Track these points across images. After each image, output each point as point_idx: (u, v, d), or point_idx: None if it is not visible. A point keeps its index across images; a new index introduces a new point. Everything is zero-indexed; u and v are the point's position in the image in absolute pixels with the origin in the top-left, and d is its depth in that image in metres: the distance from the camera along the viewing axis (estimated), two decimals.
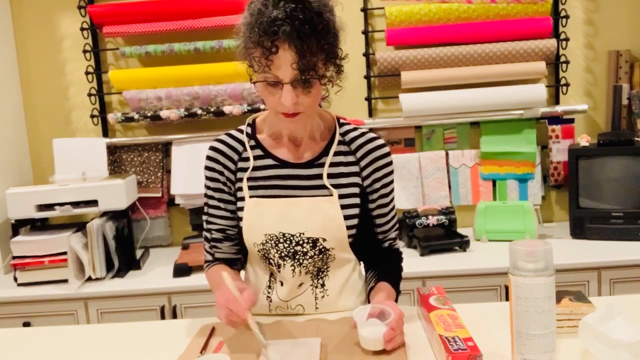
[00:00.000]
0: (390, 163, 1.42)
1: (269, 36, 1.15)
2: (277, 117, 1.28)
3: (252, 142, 1.41)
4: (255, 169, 1.38)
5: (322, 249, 1.36)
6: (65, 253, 2.29)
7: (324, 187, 1.36)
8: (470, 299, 2.19)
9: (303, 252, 1.36)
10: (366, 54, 2.69)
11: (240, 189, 1.39)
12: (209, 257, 1.47)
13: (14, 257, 2.32)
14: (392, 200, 1.45)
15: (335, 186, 1.36)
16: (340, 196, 1.36)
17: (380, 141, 1.41)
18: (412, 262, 2.28)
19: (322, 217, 1.34)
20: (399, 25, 2.62)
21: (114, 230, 2.42)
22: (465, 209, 2.75)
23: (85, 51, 2.69)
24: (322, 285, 1.41)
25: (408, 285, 2.09)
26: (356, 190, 1.39)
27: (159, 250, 2.75)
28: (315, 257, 1.37)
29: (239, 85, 2.59)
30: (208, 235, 1.45)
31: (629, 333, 1.04)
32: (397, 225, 1.49)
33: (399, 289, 1.45)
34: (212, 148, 1.41)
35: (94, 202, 2.38)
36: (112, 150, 2.75)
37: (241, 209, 1.38)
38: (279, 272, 1.39)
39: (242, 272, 1.53)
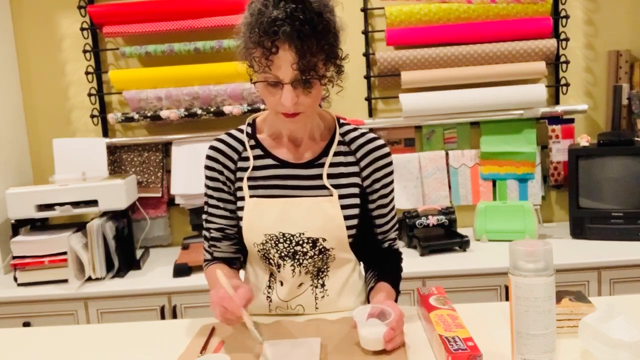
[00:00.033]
0: (390, 163, 1.42)
1: (269, 36, 1.15)
2: (277, 117, 1.28)
3: (252, 142, 1.41)
4: (255, 168, 1.39)
5: (322, 249, 1.36)
6: (65, 253, 2.29)
7: (323, 187, 1.36)
8: (470, 299, 2.19)
9: (303, 252, 1.36)
10: (366, 54, 2.69)
11: (240, 188, 1.39)
12: (208, 256, 1.47)
13: (14, 257, 2.32)
14: (392, 200, 1.45)
15: (335, 186, 1.36)
16: (340, 196, 1.36)
17: (380, 141, 1.41)
18: (412, 262, 2.28)
19: (322, 217, 1.34)
20: (399, 25, 2.63)
21: (114, 230, 2.42)
22: (465, 209, 2.75)
23: (85, 51, 2.69)
24: (322, 285, 1.41)
25: (408, 285, 2.09)
26: (356, 190, 1.39)
27: (159, 250, 2.75)
28: (315, 257, 1.37)
29: (239, 85, 2.59)
30: (207, 234, 1.45)
31: (629, 333, 1.04)
32: (397, 226, 1.49)
33: (399, 289, 1.45)
34: (212, 147, 1.41)
35: (94, 202, 2.38)
36: (112, 150, 2.75)
37: (241, 208, 1.38)
38: (279, 272, 1.39)
39: (242, 272, 1.53)
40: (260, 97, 1.54)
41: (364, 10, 2.66)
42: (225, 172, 1.40)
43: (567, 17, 2.63)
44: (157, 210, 2.77)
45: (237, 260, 1.48)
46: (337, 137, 1.40)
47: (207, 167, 1.42)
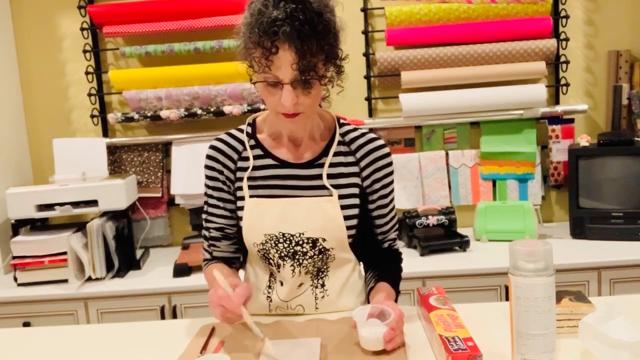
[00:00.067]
0: (390, 163, 1.42)
1: (269, 36, 1.15)
2: (277, 117, 1.28)
3: (252, 142, 1.41)
4: (255, 168, 1.39)
5: (322, 249, 1.36)
6: (65, 253, 2.29)
7: (323, 187, 1.36)
8: (470, 299, 2.19)
9: (303, 252, 1.36)
10: (366, 54, 2.69)
11: (240, 188, 1.39)
12: (208, 256, 1.47)
13: (14, 257, 2.32)
14: (392, 200, 1.45)
15: (335, 186, 1.36)
16: (340, 196, 1.36)
17: (380, 141, 1.41)
18: (412, 262, 2.28)
19: (322, 217, 1.34)
20: (399, 25, 2.63)
21: (114, 230, 2.42)
22: (465, 209, 2.75)
23: (85, 51, 2.69)
24: (322, 285, 1.41)
25: (408, 285, 2.09)
26: (356, 190, 1.39)
27: (159, 250, 2.75)
28: (315, 257, 1.37)
29: (239, 85, 2.59)
30: (207, 233, 1.45)
31: (629, 333, 1.04)
32: (397, 226, 1.49)
33: (399, 289, 1.45)
34: (212, 147, 1.41)
35: (94, 202, 2.38)
36: (112, 150, 2.75)
37: (241, 208, 1.38)
38: (279, 272, 1.39)
39: (242, 272, 1.53)
40: (260, 97, 1.55)
41: (364, 10, 2.66)
42: (225, 171, 1.40)
43: (567, 17, 2.63)
44: (157, 210, 2.77)
45: (237, 260, 1.48)
46: (337, 137, 1.40)
47: (207, 167, 1.42)
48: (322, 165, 1.37)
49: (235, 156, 1.40)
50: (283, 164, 1.38)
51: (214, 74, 2.61)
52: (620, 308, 1.10)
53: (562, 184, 2.67)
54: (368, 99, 2.72)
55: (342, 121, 1.44)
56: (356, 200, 1.38)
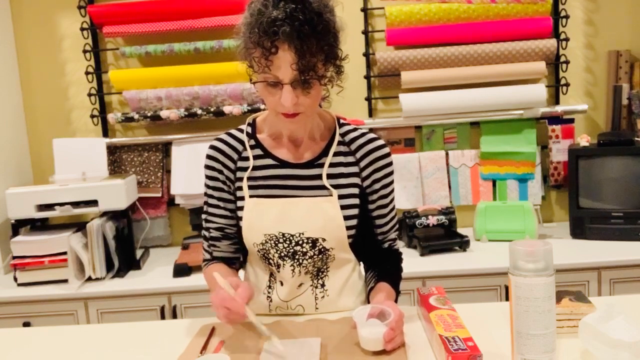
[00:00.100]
0: (390, 164, 1.42)
1: (269, 36, 1.15)
2: (277, 117, 1.28)
3: (252, 142, 1.41)
4: (255, 168, 1.39)
5: (322, 249, 1.36)
6: (65, 253, 2.29)
7: (323, 187, 1.36)
8: (470, 299, 2.19)
9: (303, 252, 1.36)
10: (366, 54, 2.69)
11: (240, 188, 1.39)
12: (207, 256, 1.47)
13: (14, 257, 2.32)
14: (392, 200, 1.45)
15: (335, 186, 1.36)
16: (340, 196, 1.36)
17: (380, 141, 1.41)
18: (412, 262, 2.28)
19: (322, 217, 1.34)
20: (399, 25, 2.63)
21: (114, 230, 2.42)
22: (465, 209, 2.75)
23: (85, 51, 2.69)
24: (322, 285, 1.41)
25: (408, 285, 2.09)
26: (356, 190, 1.39)
27: (159, 250, 2.75)
28: (314, 257, 1.37)
29: (239, 85, 2.59)
30: (207, 234, 1.45)
31: (629, 333, 1.04)
32: (397, 226, 1.49)
33: (399, 290, 1.45)
34: (212, 147, 1.41)
35: (94, 202, 2.38)
36: (112, 150, 2.75)
37: (241, 208, 1.38)
38: (279, 272, 1.39)
39: (242, 272, 1.53)
40: (260, 97, 1.55)
41: (364, 10, 2.66)
42: (225, 171, 1.40)
43: (567, 17, 2.63)
44: (157, 210, 2.77)
45: (237, 260, 1.48)
46: (337, 137, 1.40)
47: (207, 167, 1.42)
48: (322, 165, 1.37)
49: (235, 156, 1.40)
50: (283, 164, 1.38)
51: (214, 74, 2.61)
52: (620, 308, 1.10)
53: (562, 184, 2.67)
54: (368, 99, 2.72)
55: (342, 121, 1.44)
56: (356, 200, 1.38)
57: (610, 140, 2.41)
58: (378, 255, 1.47)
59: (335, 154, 1.38)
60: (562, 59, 2.66)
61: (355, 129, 1.42)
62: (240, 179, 1.39)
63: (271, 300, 1.42)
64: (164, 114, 2.61)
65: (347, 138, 1.41)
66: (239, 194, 1.39)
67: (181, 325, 1.43)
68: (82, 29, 2.69)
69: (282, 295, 1.41)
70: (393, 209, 1.46)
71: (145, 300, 2.26)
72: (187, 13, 2.60)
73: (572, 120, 2.65)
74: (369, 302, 1.43)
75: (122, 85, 2.67)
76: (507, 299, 2.10)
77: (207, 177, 1.42)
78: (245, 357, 1.21)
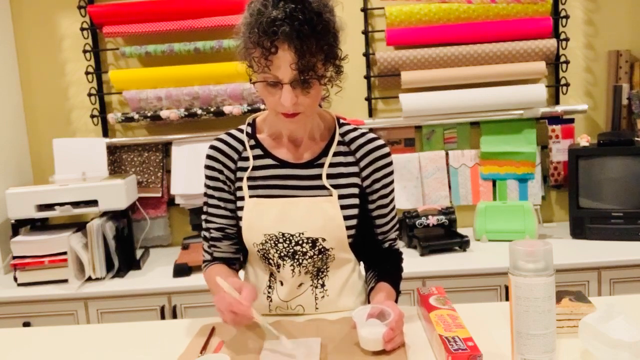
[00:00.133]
0: (390, 163, 1.42)
1: (269, 36, 1.15)
2: (277, 117, 1.28)
3: (252, 142, 1.41)
4: (255, 168, 1.39)
5: (322, 249, 1.36)
6: (65, 253, 2.29)
7: (323, 187, 1.36)
8: (470, 299, 2.19)
9: (302, 252, 1.36)
10: (366, 54, 2.69)
11: (240, 188, 1.39)
12: (208, 257, 1.47)
13: (14, 257, 2.32)
14: (392, 200, 1.45)
15: (335, 186, 1.36)
16: (340, 196, 1.36)
17: (380, 141, 1.41)
18: (412, 262, 2.28)
19: (322, 217, 1.34)
20: (399, 25, 2.63)
21: (114, 230, 2.42)
22: (465, 209, 2.75)
23: (85, 51, 2.69)
24: (322, 285, 1.41)
25: (408, 285, 2.09)
26: (355, 190, 1.39)
27: (159, 250, 2.75)
28: (314, 257, 1.37)
29: (239, 85, 2.59)
30: (207, 234, 1.45)
31: (629, 333, 1.04)
32: (398, 226, 1.49)
33: (399, 289, 1.45)
34: (212, 147, 1.41)
35: (94, 202, 2.38)
36: (112, 150, 2.75)
37: (241, 208, 1.38)
38: (279, 272, 1.39)
39: (242, 272, 1.53)
40: (260, 97, 1.54)
41: (364, 10, 2.66)
42: (226, 171, 1.40)
43: (567, 17, 2.63)
44: (157, 210, 2.77)
45: (237, 260, 1.48)
46: (337, 137, 1.40)
47: (207, 167, 1.42)
48: (321, 165, 1.37)
49: (235, 156, 1.40)
50: (283, 164, 1.38)
51: (214, 74, 2.61)
52: (620, 308, 1.10)
53: (562, 184, 2.67)
54: (368, 99, 2.72)
55: (341, 121, 1.44)
56: (356, 200, 1.38)
57: (610, 140, 2.41)
58: (378, 255, 1.47)
59: (335, 154, 1.38)
60: (562, 59, 2.66)
61: (355, 129, 1.42)
62: (241, 179, 1.39)
63: (271, 300, 1.42)
64: (164, 114, 2.61)
65: (347, 138, 1.41)
66: (239, 194, 1.39)
67: (181, 325, 1.43)
68: (82, 29, 2.69)
69: (282, 295, 1.41)
70: (393, 208, 1.46)
71: (145, 300, 2.26)
72: (187, 13, 2.60)
73: (572, 120, 2.65)
74: (369, 302, 1.43)
75: (122, 85, 2.67)
76: (507, 299, 2.10)
77: (207, 177, 1.42)
78: (245, 357, 1.21)
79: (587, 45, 2.70)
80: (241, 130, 1.43)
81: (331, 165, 1.37)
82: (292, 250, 1.36)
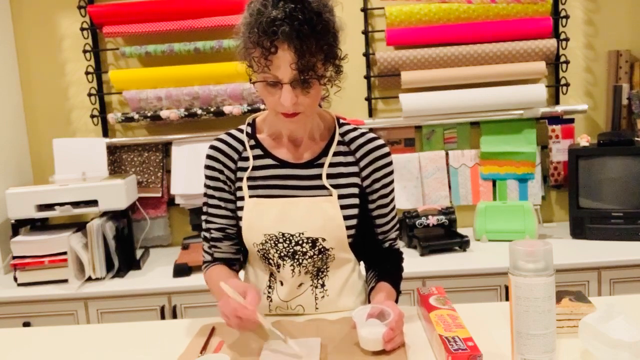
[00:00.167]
0: (390, 163, 1.42)
1: (268, 36, 1.15)
2: (277, 117, 1.28)
3: (252, 142, 1.41)
4: (254, 168, 1.39)
5: (322, 249, 1.36)
6: (65, 253, 2.29)
7: (323, 187, 1.36)
8: (470, 299, 2.19)
9: (302, 252, 1.36)
10: (366, 54, 2.69)
11: (240, 188, 1.39)
12: (208, 258, 1.47)
13: (14, 257, 2.32)
14: (392, 200, 1.45)
15: (335, 186, 1.36)
16: (340, 196, 1.36)
17: (380, 141, 1.41)
18: (412, 262, 2.28)
19: (322, 217, 1.34)
20: (399, 25, 2.63)
21: (114, 230, 2.42)
22: (465, 209, 2.75)
23: (85, 51, 2.69)
24: (322, 285, 1.41)
25: (408, 285, 2.09)
26: (355, 190, 1.39)
27: (159, 250, 2.75)
28: (314, 257, 1.37)
29: (239, 85, 2.59)
30: (207, 235, 1.45)
31: (629, 333, 1.04)
32: (398, 226, 1.49)
33: (400, 289, 1.45)
34: (213, 147, 1.41)
35: (94, 202, 2.38)
36: (112, 150, 2.75)
37: (240, 208, 1.38)
38: (279, 272, 1.39)
39: (242, 273, 1.53)
40: (260, 97, 1.54)
41: (364, 10, 2.66)
42: (226, 171, 1.40)
43: (567, 17, 2.63)
44: (157, 210, 2.77)
45: (237, 261, 1.48)
46: (337, 137, 1.40)
47: (208, 167, 1.42)
48: (321, 165, 1.37)
49: (235, 156, 1.40)
50: (283, 164, 1.38)
51: (214, 74, 2.61)
52: (620, 308, 1.10)
53: (562, 184, 2.67)
54: (368, 99, 2.72)
55: (341, 121, 1.44)
56: (356, 200, 1.38)
57: (610, 140, 2.41)
58: (379, 255, 1.47)
59: (335, 154, 1.38)
60: (562, 59, 2.66)
61: (354, 129, 1.42)
62: (241, 179, 1.39)
63: (271, 300, 1.42)
64: (164, 114, 2.61)
65: (347, 138, 1.41)
66: (239, 194, 1.39)
67: (181, 325, 1.43)
68: (82, 29, 2.69)
69: (282, 295, 1.41)
70: (393, 208, 1.46)
71: (145, 300, 2.26)
72: (187, 13, 2.60)
73: (572, 120, 2.65)
74: (369, 302, 1.42)
75: (122, 85, 2.67)
76: (507, 299, 2.09)
77: (208, 177, 1.42)
78: (245, 357, 1.21)
79: (587, 45, 2.70)
80: (241, 130, 1.43)
81: (331, 165, 1.37)
82: (292, 250, 1.36)
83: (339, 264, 1.41)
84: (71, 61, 2.77)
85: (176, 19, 2.60)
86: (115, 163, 2.76)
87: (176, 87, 2.62)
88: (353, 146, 1.40)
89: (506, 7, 2.57)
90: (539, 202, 2.70)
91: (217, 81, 2.62)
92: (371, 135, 1.42)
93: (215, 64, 2.62)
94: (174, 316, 2.26)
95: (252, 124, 1.44)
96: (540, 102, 2.59)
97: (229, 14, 2.59)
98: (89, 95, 2.72)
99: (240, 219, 1.39)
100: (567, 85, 2.68)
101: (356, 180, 1.39)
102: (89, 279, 2.33)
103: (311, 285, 1.41)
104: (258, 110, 2.57)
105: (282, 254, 1.36)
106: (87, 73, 2.71)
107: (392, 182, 1.43)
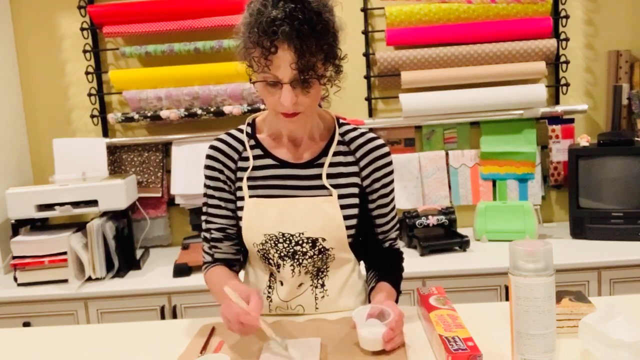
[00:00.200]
0: (390, 163, 1.42)
1: (268, 36, 1.15)
2: (277, 117, 1.28)
3: (252, 142, 1.41)
4: (254, 168, 1.39)
5: (322, 249, 1.36)
6: (65, 253, 2.29)
7: (323, 187, 1.36)
8: (470, 299, 2.19)
9: (302, 252, 1.36)
10: (366, 54, 2.69)
11: (240, 188, 1.39)
12: (208, 258, 1.47)
13: (14, 257, 2.32)
14: (392, 200, 1.45)
15: (335, 186, 1.36)
16: (340, 196, 1.36)
17: (380, 141, 1.41)
18: (412, 262, 2.28)
19: (322, 217, 1.34)
20: (399, 25, 2.62)
21: (114, 230, 2.42)
22: (465, 209, 2.75)
23: (85, 51, 2.69)
24: (322, 285, 1.41)
25: (408, 285, 2.08)
26: (355, 190, 1.39)
27: (159, 250, 2.75)
28: (314, 257, 1.37)
29: (239, 85, 2.59)
30: (207, 235, 1.45)
31: (629, 333, 1.04)
32: (398, 225, 1.49)
33: (400, 289, 1.45)
34: (213, 147, 1.41)
35: (94, 202, 2.38)
36: (112, 150, 2.75)
37: (240, 208, 1.38)
38: (279, 272, 1.39)
39: (242, 273, 1.53)
40: (260, 97, 1.54)
41: (364, 10, 2.66)
42: (226, 171, 1.40)
43: (567, 17, 2.63)
44: (157, 210, 2.77)
45: (237, 261, 1.48)
46: (337, 137, 1.40)
47: (208, 167, 1.41)
48: (321, 165, 1.37)
49: (235, 156, 1.40)
50: (283, 164, 1.38)
51: (214, 74, 2.61)
52: (620, 308, 1.10)
53: (562, 184, 2.67)
54: (368, 99, 2.72)
55: (341, 121, 1.44)
56: (356, 200, 1.38)
57: (610, 140, 2.41)
58: (379, 255, 1.47)
59: (335, 154, 1.38)
60: (562, 59, 2.66)
61: (354, 129, 1.42)
62: (241, 179, 1.39)
63: (271, 300, 1.42)
64: (164, 114, 2.61)
65: (347, 138, 1.41)
66: (239, 194, 1.39)
67: (181, 325, 1.43)
68: (82, 29, 2.69)
69: (282, 295, 1.41)
70: (393, 208, 1.46)
71: (145, 300, 2.26)
72: (187, 13, 2.60)
73: (572, 120, 2.65)
74: (369, 302, 1.42)
75: (122, 85, 2.67)
76: (507, 299, 2.09)
77: (208, 177, 1.42)
78: (245, 357, 1.21)
79: (587, 45, 2.70)
80: (241, 130, 1.43)
81: (331, 165, 1.37)
82: (292, 250, 1.36)
83: (339, 264, 1.41)
84: (71, 61, 2.77)
85: (176, 19, 2.60)
86: (115, 163, 2.76)
87: (176, 87, 2.62)
88: (353, 146, 1.40)
89: (506, 7, 2.57)
90: (539, 202, 2.69)
91: (217, 81, 2.62)
92: (371, 135, 1.42)
93: (215, 64, 2.62)
94: (174, 316, 2.26)
95: (252, 124, 1.44)
96: (540, 102, 2.59)
97: (229, 14, 2.59)
98: (89, 95, 2.72)
99: (240, 219, 1.39)
100: (567, 85, 2.68)
101: (356, 180, 1.39)
102: (89, 279, 2.33)
103: (311, 285, 1.41)
104: (258, 110, 2.57)
105: (282, 254, 1.36)
106: (87, 73, 2.71)
107: (392, 182, 1.43)
